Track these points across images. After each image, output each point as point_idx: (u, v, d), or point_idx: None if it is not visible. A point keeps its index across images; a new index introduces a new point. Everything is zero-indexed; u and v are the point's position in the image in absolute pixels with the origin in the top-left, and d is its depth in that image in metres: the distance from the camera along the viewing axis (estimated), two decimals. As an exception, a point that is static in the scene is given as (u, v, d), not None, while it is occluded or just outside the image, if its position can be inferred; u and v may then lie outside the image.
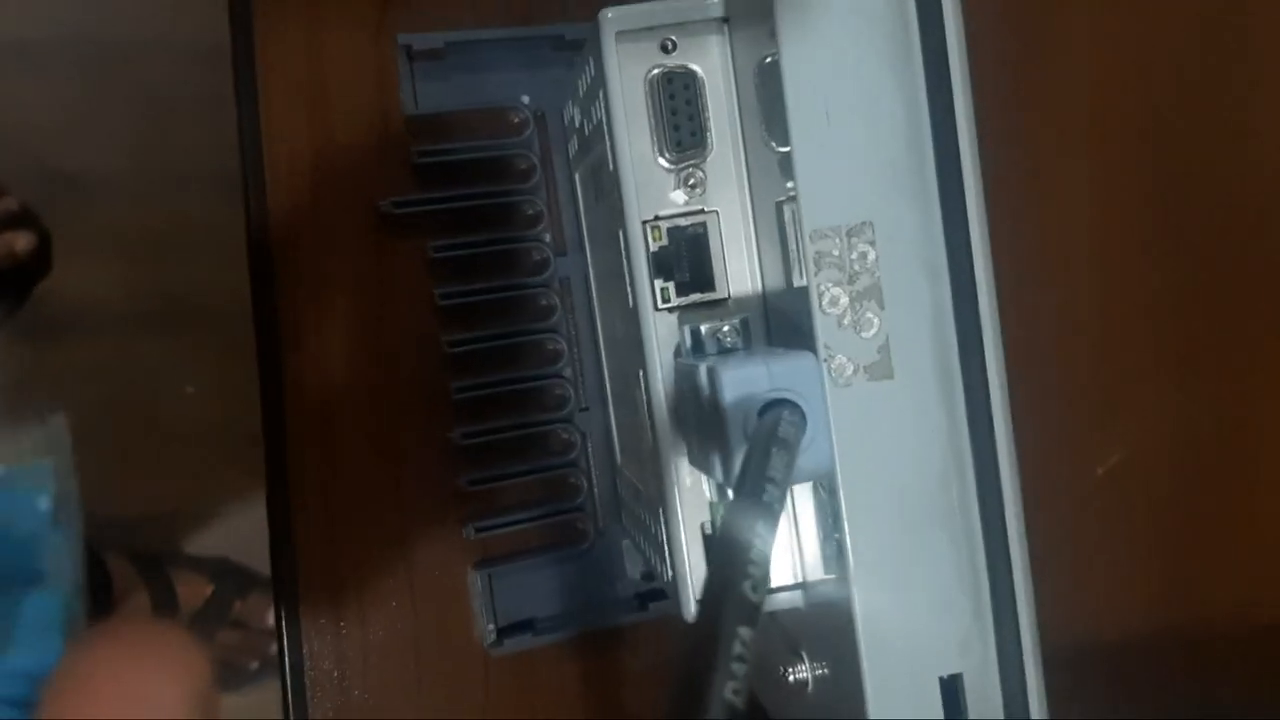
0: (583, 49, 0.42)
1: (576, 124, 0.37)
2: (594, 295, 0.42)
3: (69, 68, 1.01)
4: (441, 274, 0.41)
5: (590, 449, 0.43)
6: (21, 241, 1.00)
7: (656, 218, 0.29)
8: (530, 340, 0.42)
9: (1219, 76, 0.48)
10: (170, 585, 0.97)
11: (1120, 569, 0.48)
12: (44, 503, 0.13)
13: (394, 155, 0.41)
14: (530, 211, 0.42)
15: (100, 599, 0.92)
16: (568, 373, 0.42)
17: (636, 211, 0.29)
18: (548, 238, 0.42)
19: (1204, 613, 0.48)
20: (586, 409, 0.43)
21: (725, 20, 0.29)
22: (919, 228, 0.25)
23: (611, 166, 0.30)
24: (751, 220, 0.29)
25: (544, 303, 0.42)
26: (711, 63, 0.29)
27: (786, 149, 0.25)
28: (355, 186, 0.41)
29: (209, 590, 0.99)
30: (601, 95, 0.29)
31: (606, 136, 0.29)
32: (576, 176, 0.40)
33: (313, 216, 0.41)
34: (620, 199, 0.29)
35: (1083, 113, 0.47)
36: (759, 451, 0.20)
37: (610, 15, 0.28)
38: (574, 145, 0.39)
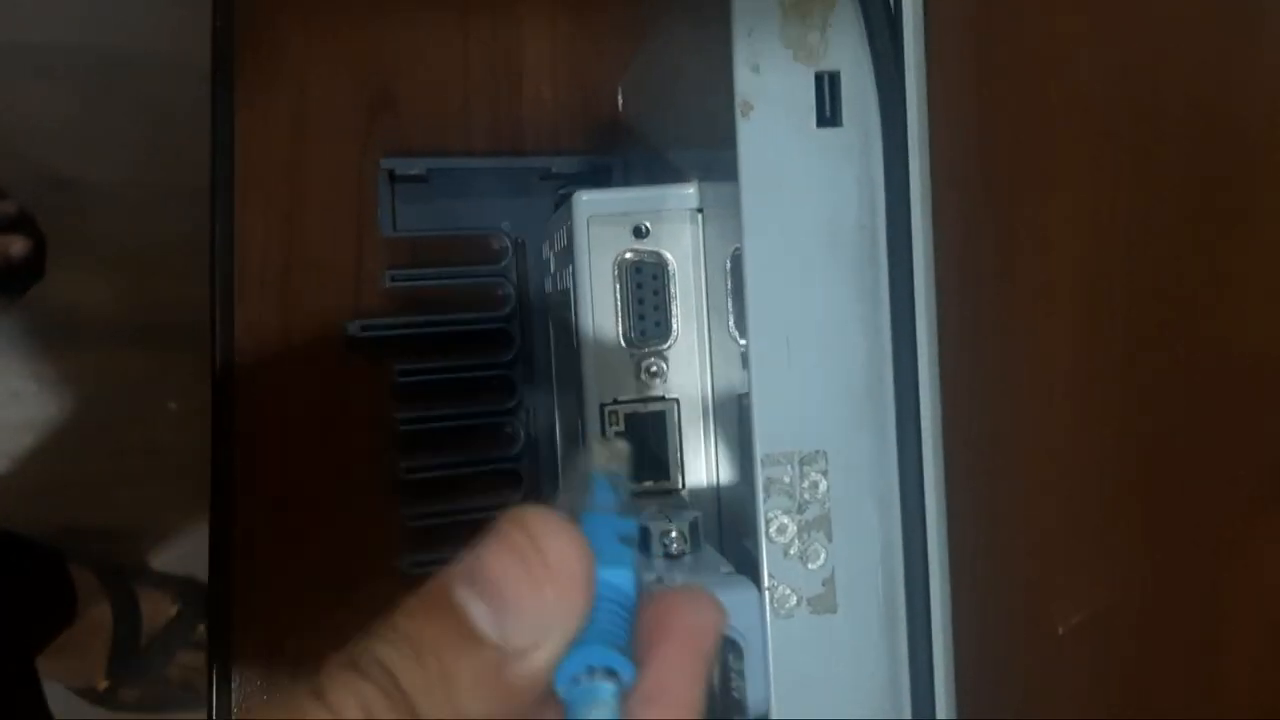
0: (570, 181, 0.42)
1: (551, 269, 0.37)
2: (558, 427, 0.41)
3: (74, 75, 1.01)
4: (405, 397, 0.41)
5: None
6: (17, 245, 0.99)
7: (616, 401, 0.28)
8: (491, 469, 0.41)
9: (1203, 257, 0.49)
10: (134, 600, 0.96)
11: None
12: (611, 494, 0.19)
13: (368, 274, 0.41)
14: (501, 339, 0.41)
15: (62, 608, 0.90)
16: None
17: (596, 395, 0.28)
18: (517, 366, 0.41)
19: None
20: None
21: (699, 210, 0.29)
22: (873, 459, 0.24)
23: (575, 343, 0.29)
24: (711, 411, 0.29)
25: (507, 431, 0.41)
26: (683, 250, 0.29)
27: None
28: (325, 302, 0.40)
29: (174, 610, 0.97)
30: (571, 270, 0.29)
31: (572, 312, 0.29)
32: (550, 320, 0.39)
33: (280, 329, 0.40)
34: (581, 381, 0.28)
35: (1065, 299, 0.47)
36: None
37: (585, 199, 0.28)
38: (549, 284, 0.39)
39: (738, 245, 0.27)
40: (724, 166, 0.25)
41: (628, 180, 0.41)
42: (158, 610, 0.97)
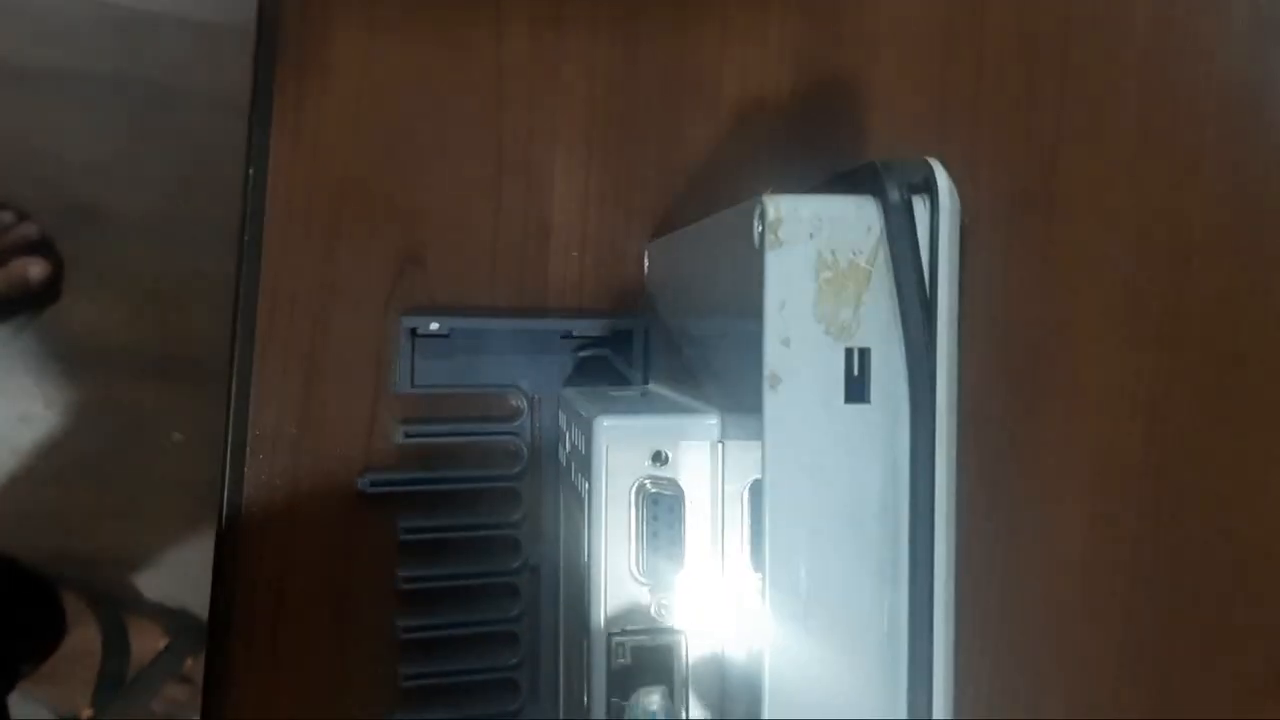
0: (590, 344, 0.42)
1: (566, 446, 0.37)
2: (561, 590, 0.41)
3: (107, 104, 1.02)
4: (410, 553, 0.40)
5: (535, 749, 0.41)
6: (36, 268, 1.00)
7: (623, 631, 0.28)
8: (489, 630, 0.41)
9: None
10: (124, 630, 0.95)
11: None
12: None
13: (382, 425, 0.41)
14: (510, 499, 0.41)
15: (49, 633, 0.89)
16: (522, 669, 0.41)
17: (603, 624, 0.28)
18: (523, 526, 0.41)
19: None
20: (537, 700, 0.41)
21: (720, 442, 0.28)
22: (883, 741, 0.24)
23: (585, 557, 0.29)
24: (722, 648, 0.28)
25: (509, 592, 0.41)
26: (701, 478, 0.28)
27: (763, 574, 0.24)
28: (337, 455, 0.40)
29: (163, 642, 0.96)
30: (588, 487, 0.29)
31: (585, 531, 0.29)
32: (560, 490, 0.39)
33: (291, 479, 0.40)
34: (589, 607, 0.28)
35: (1081, 487, 0.47)
36: None
37: (606, 424, 0.28)
38: (562, 456, 0.38)
39: (756, 476, 0.27)
40: (746, 403, 0.25)
41: (647, 346, 0.41)
42: (147, 641, 0.96)
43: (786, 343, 0.23)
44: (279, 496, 0.40)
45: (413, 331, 0.40)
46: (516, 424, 0.41)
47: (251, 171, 0.39)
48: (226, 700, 0.39)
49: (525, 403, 0.41)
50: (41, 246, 0.99)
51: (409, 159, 0.41)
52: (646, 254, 0.43)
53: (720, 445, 0.28)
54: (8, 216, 0.98)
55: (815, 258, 0.24)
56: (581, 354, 0.41)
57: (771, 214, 0.23)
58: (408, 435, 0.40)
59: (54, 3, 1.01)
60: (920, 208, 0.24)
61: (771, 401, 0.24)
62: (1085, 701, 0.47)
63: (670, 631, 0.28)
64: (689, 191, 0.43)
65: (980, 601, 0.45)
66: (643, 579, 0.28)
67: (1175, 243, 0.49)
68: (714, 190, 0.43)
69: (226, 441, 0.40)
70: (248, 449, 0.39)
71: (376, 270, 0.41)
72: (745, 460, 0.28)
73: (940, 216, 0.24)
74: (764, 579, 0.24)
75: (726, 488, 0.28)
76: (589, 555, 0.28)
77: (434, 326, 0.40)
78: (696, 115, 0.44)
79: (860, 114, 0.46)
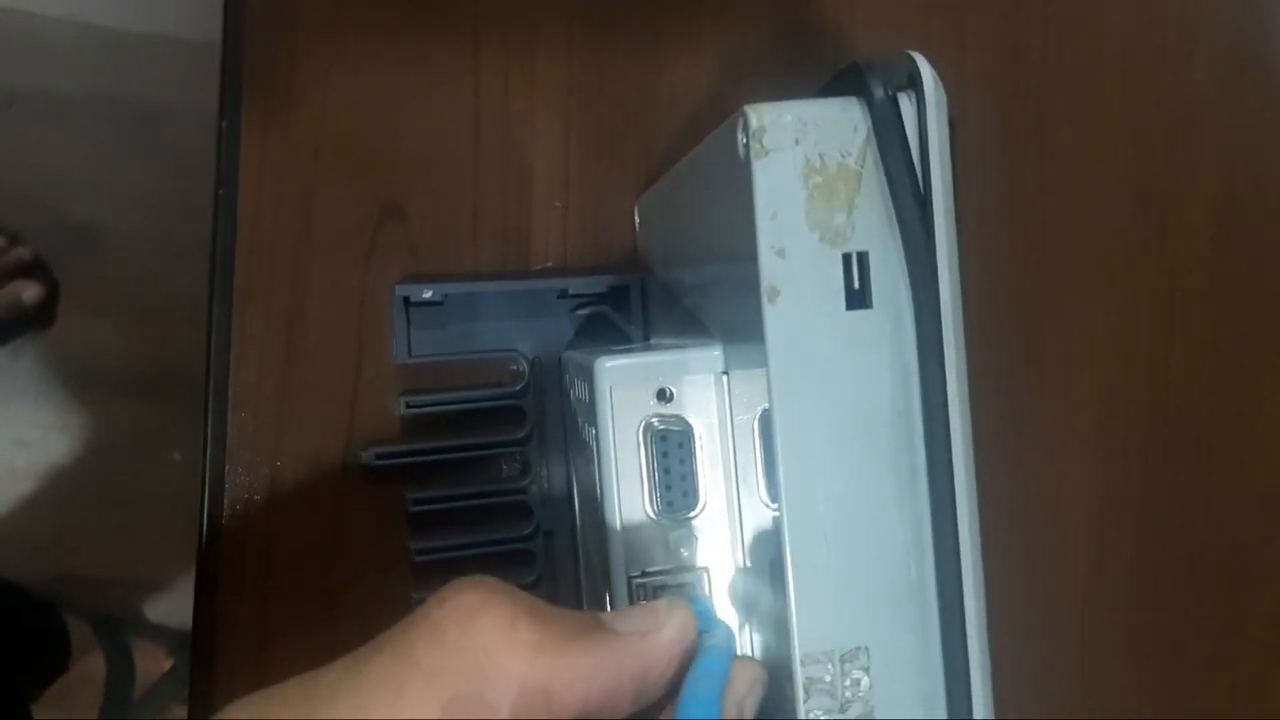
0: (588, 302, 0.41)
1: (573, 402, 0.36)
2: (580, 552, 0.40)
3: (99, 125, 1.01)
4: (419, 524, 0.40)
5: None
6: (30, 291, 0.99)
7: (643, 573, 0.27)
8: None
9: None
10: (128, 652, 0.95)
11: None
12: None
13: (377, 398, 0.40)
14: (518, 464, 0.40)
15: (56, 657, 0.89)
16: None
17: (622, 568, 0.27)
18: (533, 490, 0.40)
19: None
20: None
21: (725, 373, 0.28)
22: (916, 654, 0.23)
23: (599, 504, 0.28)
24: (744, 581, 0.28)
25: (524, 558, 0.40)
26: (707, 413, 0.28)
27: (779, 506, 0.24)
28: (329, 428, 0.39)
29: (168, 664, 0.96)
30: (595, 434, 0.28)
31: (597, 478, 0.28)
32: (570, 453, 0.38)
33: (274, 445, 0.39)
34: (607, 551, 0.27)
35: (1087, 424, 0.46)
36: None
37: (608, 365, 0.27)
38: (570, 407, 0.38)
39: (764, 405, 0.26)
40: (747, 327, 0.25)
41: (645, 301, 0.41)
42: (152, 663, 0.96)
43: (781, 253, 0.23)
44: (264, 464, 0.39)
45: (406, 300, 0.39)
46: (519, 388, 0.40)
47: (225, 124, 0.39)
48: (216, 675, 0.39)
49: (526, 366, 0.41)
50: (36, 269, 0.98)
51: (387, 110, 0.40)
52: (636, 210, 0.42)
53: (725, 377, 0.28)
54: (0, 240, 0.98)
55: (803, 163, 0.23)
56: (580, 312, 0.41)
57: (755, 123, 0.23)
58: (409, 406, 0.39)
59: (38, 26, 1.00)
60: (907, 105, 0.23)
61: (772, 315, 0.23)
62: (1101, 650, 0.47)
63: (690, 569, 0.27)
64: (671, 146, 0.43)
65: (987, 549, 0.44)
66: (658, 518, 0.28)
67: (1171, 185, 0.48)
68: (696, 141, 0.42)
69: (206, 403, 0.39)
70: (229, 408, 0.38)
71: (355, 225, 0.40)
72: (752, 390, 0.27)
73: (927, 109, 0.23)
74: (781, 499, 0.23)
75: (735, 420, 0.28)
76: (602, 501, 0.28)
77: (427, 294, 0.39)
78: (677, 65, 0.43)
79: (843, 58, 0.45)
